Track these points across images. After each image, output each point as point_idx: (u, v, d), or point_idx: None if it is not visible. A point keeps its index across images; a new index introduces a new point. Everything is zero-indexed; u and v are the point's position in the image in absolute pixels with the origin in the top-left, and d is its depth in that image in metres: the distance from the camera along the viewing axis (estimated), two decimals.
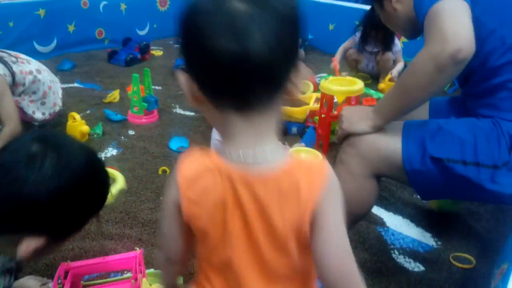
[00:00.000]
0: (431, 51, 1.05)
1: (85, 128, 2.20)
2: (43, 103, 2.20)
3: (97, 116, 2.52)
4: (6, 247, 0.81)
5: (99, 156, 0.87)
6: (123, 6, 3.92)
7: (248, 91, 0.58)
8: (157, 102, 2.55)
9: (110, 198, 1.21)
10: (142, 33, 4.16)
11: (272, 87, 0.59)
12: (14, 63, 2.04)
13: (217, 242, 0.66)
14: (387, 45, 3.07)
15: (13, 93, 2.03)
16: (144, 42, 3.64)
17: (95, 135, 2.29)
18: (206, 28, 0.56)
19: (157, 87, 2.98)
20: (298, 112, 2.32)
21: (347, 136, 1.29)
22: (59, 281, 1.09)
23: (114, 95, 2.78)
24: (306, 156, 1.66)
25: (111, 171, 1.33)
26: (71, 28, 3.62)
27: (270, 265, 0.65)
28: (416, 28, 1.24)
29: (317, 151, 1.68)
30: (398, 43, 3.14)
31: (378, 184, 1.28)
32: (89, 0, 3.66)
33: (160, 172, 1.99)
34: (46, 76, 2.22)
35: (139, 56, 3.57)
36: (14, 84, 2.02)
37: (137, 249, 1.21)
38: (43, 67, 2.25)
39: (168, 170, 2.01)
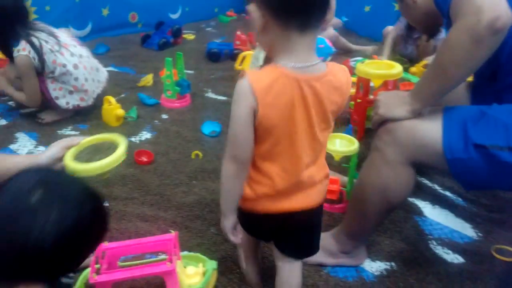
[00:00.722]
0: (465, 24, 0.99)
1: (120, 111, 2.23)
2: (70, 93, 2.23)
3: (131, 100, 2.55)
4: None
5: (101, 196, 0.85)
6: None
7: (310, 14, 0.83)
8: (190, 86, 2.55)
9: (112, 163, 1.18)
10: (174, 16, 4.17)
11: (323, 12, 0.84)
12: (51, 52, 2.10)
13: (282, 134, 0.89)
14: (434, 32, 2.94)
15: (42, 74, 2.13)
16: (177, 26, 3.64)
17: (129, 119, 2.32)
18: None
19: (189, 71, 2.98)
20: None
21: (383, 122, 1.24)
22: (97, 260, 1.11)
23: (148, 79, 2.80)
24: (341, 142, 1.62)
25: (113, 136, 1.28)
26: (105, 12, 3.66)
27: (317, 138, 0.92)
28: (433, 23, 1.23)
29: (351, 136, 1.65)
30: (443, 31, 3.01)
31: (415, 172, 1.23)
32: None
33: (193, 156, 2.00)
34: (82, 73, 2.23)
35: (171, 40, 3.58)
36: (42, 68, 2.10)
37: (172, 231, 1.22)
38: (87, 64, 2.27)
39: (200, 154, 2.02)
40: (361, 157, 1.61)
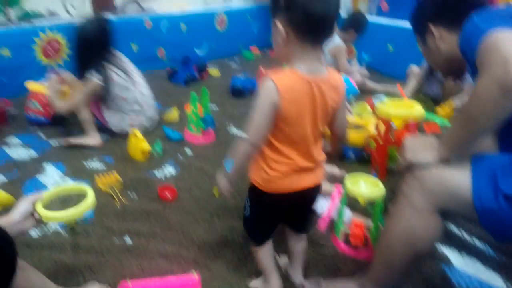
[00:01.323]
0: (493, 75, 0.99)
1: (146, 146, 2.27)
2: (123, 119, 2.51)
3: (156, 133, 2.60)
4: None
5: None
6: (183, 27, 4.06)
7: (320, 34, 1.09)
8: (214, 122, 2.59)
9: (76, 214, 1.23)
10: (200, 52, 4.28)
11: (331, 31, 1.10)
12: (120, 85, 2.43)
13: (298, 124, 1.14)
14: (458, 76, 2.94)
15: (101, 100, 2.46)
16: (202, 62, 3.74)
17: (154, 153, 2.35)
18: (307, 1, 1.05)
19: (213, 106, 3.03)
20: (355, 137, 2.26)
21: (410, 167, 1.23)
22: None
23: (173, 114, 2.86)
24: (365, 184, 1.61)
25: (81, 186, 1.35)
26: (134, 47, 3.80)
27: (318, 131, 1.18)
28: (457, 68, 1.28)
29: (375, 178, 1.64)
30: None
31: (443, 220, 1.21)
32: (152, 20, 3.83)
33: (216, 193, 2.01)
34: (138, 108, 2.54)
35: (197, 75, 3.67)
36: (104, 97, 2.43)
37: (194, 272, 1.21)
38: (147, 101, 2.60)
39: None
40: (385, 199, 1.59)
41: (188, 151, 2.43)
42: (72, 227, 1.55)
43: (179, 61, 3.80)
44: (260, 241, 1.37)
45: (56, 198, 1.31)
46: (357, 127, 2.39)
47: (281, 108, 1.10)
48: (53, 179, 2.08)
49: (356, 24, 3.41)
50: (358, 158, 2.29)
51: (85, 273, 1.49)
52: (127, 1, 4.04)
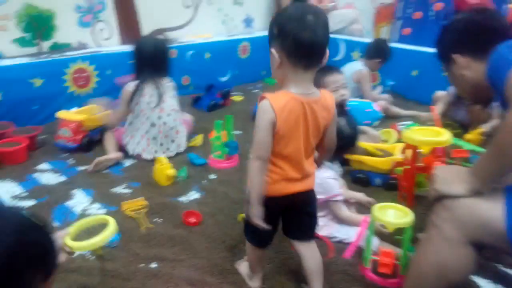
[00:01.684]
0: None
1: (171, 171, 2.30)
2: (138, 143, 2.63)
3: (181, 159, 2.64)
4: None
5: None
6: (207, 55, 4.16)
7: (311, 59, 1.22)
8: (238, 147, 2.62)
9: (99, 243, 1.34)
10: (223, 79, 4.36)
11: (321, 56, 1.22)
12: (146, 105, 2.58)
13: (290, 140, 1.26)
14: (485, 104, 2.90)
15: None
16: (226, 89, 3.80)
17: (179, 179, 2.38)
18: (297, 28, 1.17)
19: (236, 132, 3.06)
20: (382, 163, 2.24)
21: (441, 198, 1.20)
22: None
23: (197, 140, 2.90)
24: (394, 212, 1.58)
25: (103, 216, 1.47)
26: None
27: (311, 146, 1.32)
28: (483, 96, 1.29)
29: (404, 206, 1.61)
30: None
31: (476, 252, 1.17)
32: (178, 49, 3.94)
33: (239, 219, 2.01)
34: (154, 135, 2.64)
35: (220, 101, 3.73)
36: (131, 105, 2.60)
37: None
38: (163, 130, 2.66)
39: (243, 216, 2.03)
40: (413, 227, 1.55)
41: (212, 176, 2.45)
42: (99, 254, 1.59)
43: (203, 88, 3.87)
44: (256, 243, 1.49)
45: (82, 231, 1.41)
46: (383, 152, 2.37)
47: (277, 125, 1.22)
48: (82, 204, 2.12)
49: (381, 53, 3.45)
50: (385, 185, 2.26)
51: None
52: (154, 32, 4.18)
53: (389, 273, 1.56)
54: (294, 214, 1.44)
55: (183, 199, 2.20)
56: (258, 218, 1.28)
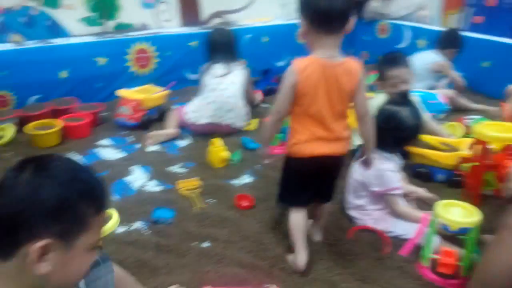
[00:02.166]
0: None
1: (225, 154, 2.31)
2: (191, 110, 2.73)
3: (235, 142, 2.64)
4: (22, 267, 0.75)
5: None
6: (265, 39, 4.12)
7: (333, 25, 1.35)
8: None
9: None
10: (280, 64, 4.31)
11: (342, 23, 1.35)
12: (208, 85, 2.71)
13: (314, 100, 1.40)
14: None
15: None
16: (282, 74, 3.74)
17: (233, 161, 2.39)
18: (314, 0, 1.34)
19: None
20: (447, 158, 2.11)
21: None
22: None
23: (252, 124, 2.89)
24: (460, 211, 1.49)
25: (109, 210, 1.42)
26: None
27: (337, 109, 1.43)
28: None
29: (471, 205, 1.51)
30: None
31: None
32: (236, 32, 3.92)
33: None
34: (213, 99, 2.71)
35: (276, 86, 3.68)
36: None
37: (275, 287, 1.18)
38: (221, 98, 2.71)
39: None
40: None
41: (265, 161, 2.42)
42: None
43: (259, 72, 3.85)
44: (289, 202, 1.63)
45: None
46: (448, 147, 2.24)
47: (299, 85, 1.39)
48: (140, 180, 2.19)
49: (455, 42, 3.28)
50: (448, 181, 2.13)
51: (164, 273, 1.53)
52: (213, 14, 4.19)
53: (450, 273, 1.47)
54: (321, 177, 1.56)
55: (236, 182, 2.20)
56: (265, 157, 1.62)
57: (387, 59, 2.24)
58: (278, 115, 1.47)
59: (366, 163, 1.58)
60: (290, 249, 1.62)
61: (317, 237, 1.73)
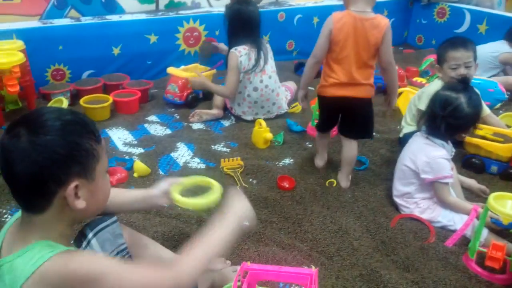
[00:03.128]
0: None
1: (269, 135, 2.30)
2: (239, 105, 2.67)
3: (279, 124, 2.63)
4: (61, 210, 0.86)
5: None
6: (315, 20, 4.03)
7: None
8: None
9: (202, 205, 1.23)
10: None
11: None
12: (245, 71, 2.56)
13: (344, 47, 1.71)
14: None
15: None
16: None
17: (276, 143, 2.38)
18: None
19: None
20: (502, 149, 2.00)
21: None
22: (239, 278, 1.13)
23: (297, 106, 2.86)
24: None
25: (213, 182, 1.33)
26: (266, 38, 3.88)
27: (362, 59, 1.73)
28: None
29: None
30: None
31: None
32: (286, 12, 3.87)
33: (327, 184, 1.99)
34: (256, 97, 2.63)
35: (322, 69, 3.61)
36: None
37: (313, 267, 1.18)
38: (265, 94, 2.63)
39: (335, 182, 1.99)
40: None
41: (308, 144, 2.41)
42: (200, 215, 1.60)
43: (308, 54, 3.77)
44: (317, 128, 2.09)
45: (191, 187, 1.36)
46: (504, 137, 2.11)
47: (333, 33, 1.71)
48: (184, 157, 2.23)
49: None
50: (502, 174, 2.02)
51: None
52: None
53: (497, 268, 1.41)
54: (345, 115, 1.91)
55: (278, 163, 2.20)
56: (302, 98, 1.98)
57: (451, 41, 2.11)
58: (314, 59, 1.83)
59: (389, 104, 1.95)
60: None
61: (343, 183, 1.99)
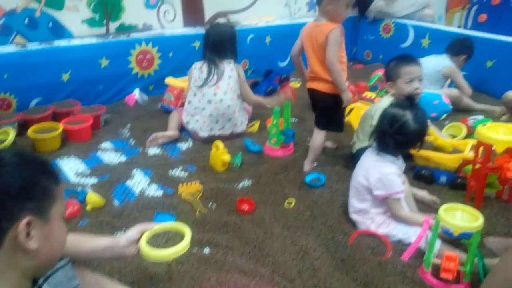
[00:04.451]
0: None
1: (227, 157, 2.30)
2: (188, 122, 2.73)
3: (237, 145, 2.63)
4: (12, 255, 0.82)
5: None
6: (268, 39, 4.10)
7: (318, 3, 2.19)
8: (294, 136, 2.56)
9: (171, 257, 1.25)
10: (282, 64, 4.29)
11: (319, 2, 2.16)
12: (198, 83, 2.68)
13: (305, 47, 2.23)
14: None
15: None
16: (285, 75, 3.73)
17: (234, 164, 2.38)
18: None
19: (294, 119, 3.00)
20: (449, 160, 2.09)
21: None
22: None
23: (254, 126, 2.87)
24: (463, 215, 1.47)
25: (182, 227, 1.33)
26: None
27: (319, 56, 2.14)
28: None
29: (473, 209, 1.49)
30: None
31: None
32: (239, 33, 3.89)
33: (286, 203, 2.01)
34: (209, 112, 2.67)
35: (278, 87, 3.66)
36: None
37: None
38: (220, 108, 2.66)
39: (293, 202, 2.01)
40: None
41: (266, 164, 2.42)
42: (168, 265, 1.55)
43: (262, 73, 3.83)
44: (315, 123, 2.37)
45: (160, 234, 1.36)
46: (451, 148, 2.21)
47: (300, 36, 2.24)
48: (141, 185, 2.18)
49: (467, 49, 3.26)
50: (451, 183, 2.11)
51: (165, 281, 1.52)
52: (216, 15, 4.18)
53: (451, 279, 1.46)
54: (313, 106, 2.35)
55: (237, 185, 2.19)
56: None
57: (402, 57, 2.20)
58: (292, 53, 2.40)
59: (345, 102, 2.16)
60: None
61: (305, 167, 2.32)
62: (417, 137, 1.74)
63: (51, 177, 0.88)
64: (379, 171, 1.72)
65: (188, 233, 1.29)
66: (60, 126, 2.59)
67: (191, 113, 2.71)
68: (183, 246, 1.25)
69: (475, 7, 5.14)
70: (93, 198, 1.96)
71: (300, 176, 2.27)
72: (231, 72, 2.72)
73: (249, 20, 4.27)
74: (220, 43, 2.72)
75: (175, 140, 2.70)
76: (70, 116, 2.81)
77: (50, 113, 2.83)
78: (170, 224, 1.39)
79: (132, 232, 1.25)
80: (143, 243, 1.24)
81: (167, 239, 1.69)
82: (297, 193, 2.10)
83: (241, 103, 2.78)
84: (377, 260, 1.63)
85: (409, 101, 1.79)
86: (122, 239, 1.24)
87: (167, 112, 3.03)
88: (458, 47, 3.27)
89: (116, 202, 2.03)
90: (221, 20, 4.20)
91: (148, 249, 1.23)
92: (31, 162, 0.87)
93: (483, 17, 4.94)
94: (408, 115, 1.71)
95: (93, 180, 2.22)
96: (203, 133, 2.68)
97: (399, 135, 1.70)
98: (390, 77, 2.19)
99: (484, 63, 3.52)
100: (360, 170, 1.82)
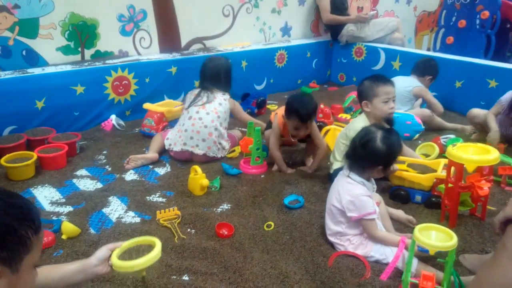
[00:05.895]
0: None
1: (205, 181, 2.29)
2: (172, 135, 2.80)
3: (215, 169, 2.63)
4: None
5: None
6: (244, 63, 4.16)
7: None
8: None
9: (143, 265, 1.26)
10: (259, 87, 4.35)
11: None
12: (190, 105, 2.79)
13: None
14: None
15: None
16: (262, 98, 3.78)
17: (213, 188, 2.37)
18: None
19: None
20: (423, 179, 2.14)
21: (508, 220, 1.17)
22: None
23: (235, 152, 2.88)
24: (437, 234, 1.51)
25: (152, 238, 1.38)
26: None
27: None
28: None
29: (447, 229, 1.52)
30: None
31: None
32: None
33: (265, 227, 2.01)
34: (186, 127, 2.74)
35: (255, 110, 3.71)
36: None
37: None
38: (197, 125, 2.72)
39: (272, 225, 2.01)
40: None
41: (245, 187, 2.42)
42: (142, 276, 1.54)
43: (239, 97, 3.87)
44: None
45: (131, 248, 1.38)
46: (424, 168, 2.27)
47: None
48: (117, 212, 2.15)
49: (432, 70, 3.41)
50: (426, 202, 2.16)
51: None
52: (192, 40, 4.22)
53: None
54: None
55: (215, 209, 2.18)
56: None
57: (377, 77, 2.25)
58: None
59: None
60: None
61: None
62: (381, 158, 1.74)
63: (31, 226, 0.86)
64: (350, 194, 1.75)
65: (158, 243, 1.33)
66: (34, 155, 2.54)
67: (174, 131, 2.79)
68: (154, 254, 1.28)
69: (442, 30, 5.36)
70: (68, 227, 1.91)
71: (279, 198, 2.28)
72: (223, 101, 2.83)
73: (225, 45, 4.34)
74: (216, 74, 2.91)
75: (152, 165, 2.68)
76: (44, 144, 2.76)
77: (23, 141, 2.77)
78: (138, 239, 1.40)
79: (102, 251, 1.26)
80: (114, 258, 1.26)
81: (141, 252, 1.62)
82: (276, 216, 2.11)
83: (221, 133, 2.77)
84: (356, 281, 1.64)
85: (388, 123, 1.83)
86: (92, 260, 1.24)
87: (148, 136, 3.06)
88: (422, 68, 3.41)
89: (92, 231, 1.98)
90: (196, 47, 4.26)
91: (121, 262, 1.25)
92: (16, 208, 0.85)
93: (450, 39, 5.15)
94: (378, 133, 1.75)
95: (68, 209, 2.17)
96: (176, 148, 2.71)
97: (362, 149, 1.73)
98: (365, 96, 2.22)
99: (454, 83, 3.65)
100: (333, 193, 1.84)
